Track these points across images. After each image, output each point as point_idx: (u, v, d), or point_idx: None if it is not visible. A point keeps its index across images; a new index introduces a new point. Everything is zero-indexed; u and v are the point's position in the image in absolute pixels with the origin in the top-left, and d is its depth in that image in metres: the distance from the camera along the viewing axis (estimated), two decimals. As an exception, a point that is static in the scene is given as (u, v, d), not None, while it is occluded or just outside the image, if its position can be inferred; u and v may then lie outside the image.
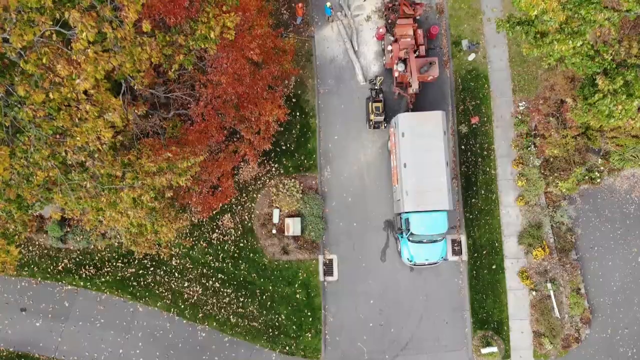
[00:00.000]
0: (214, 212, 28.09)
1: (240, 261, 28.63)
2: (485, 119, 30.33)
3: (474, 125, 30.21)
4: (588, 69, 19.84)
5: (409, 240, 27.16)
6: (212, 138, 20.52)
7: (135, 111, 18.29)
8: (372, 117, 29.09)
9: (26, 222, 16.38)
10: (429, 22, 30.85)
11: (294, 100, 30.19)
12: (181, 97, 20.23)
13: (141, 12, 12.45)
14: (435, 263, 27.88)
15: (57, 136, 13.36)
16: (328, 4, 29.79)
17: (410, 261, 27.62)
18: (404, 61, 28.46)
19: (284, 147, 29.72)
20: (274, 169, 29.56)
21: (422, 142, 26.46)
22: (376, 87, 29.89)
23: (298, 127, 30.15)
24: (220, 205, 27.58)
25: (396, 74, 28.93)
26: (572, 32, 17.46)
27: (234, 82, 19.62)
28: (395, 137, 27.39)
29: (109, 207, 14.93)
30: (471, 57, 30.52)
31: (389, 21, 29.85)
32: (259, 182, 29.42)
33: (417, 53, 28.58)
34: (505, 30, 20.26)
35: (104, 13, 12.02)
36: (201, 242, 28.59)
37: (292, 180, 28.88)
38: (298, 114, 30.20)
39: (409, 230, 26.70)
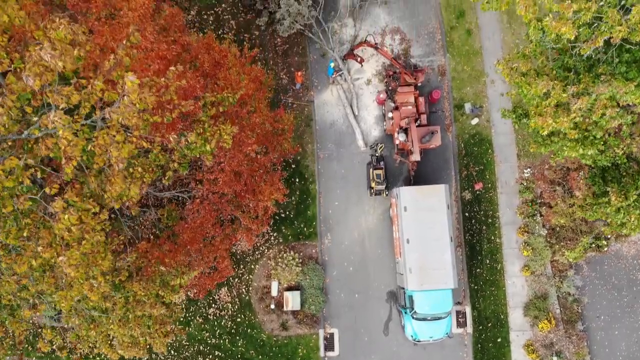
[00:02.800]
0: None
1: (237, 337, 27.69)
2: (490, 185, 29.62)
3: (478, 192, 29.49)
4: (598, 161, 19.16)
5: (412, 317, 26.29)
6: (207, 235, 19.69)
7: (127, 212, 17.46)
8: (373, 184, 28.36)
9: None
10: (430, 85, 30.24)
11: (293, 166, 29.46)
12: (176, 196, 19.46)
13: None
14: (440, 339, 27.01)
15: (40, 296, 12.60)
16: (332, 64, 29.16)
17: (414, 338, 26.73)
18: (405, 130, 27.79)
19: (283, 215, 28.93)
20: (272, 238, 28.74)
21: (425, 217, 25.70)
22: (377, 154, 29.19)
23: (298, 193, 29.39)
24: (217, 281, 26.71)
25: (397, 142, 28.26)
26: (582, 137, 16.81)
27: (232, 180, 18.86)
28: (397, 208, 26.63)
29: (101, 344, 14.10)
30: (474, 121, 29.88)
31: (390, 88, 29.23)
32: (257, 253, 28.58)
33: (418, 122, 27.92)
34: (511, 119, 19.55)
35: (91, 186, 11.27)
36: (197, 317, 27.66)
37: (291, 252, 28.05)
38: (297, 179, 29.45)
39: (412, 308, 25.84)
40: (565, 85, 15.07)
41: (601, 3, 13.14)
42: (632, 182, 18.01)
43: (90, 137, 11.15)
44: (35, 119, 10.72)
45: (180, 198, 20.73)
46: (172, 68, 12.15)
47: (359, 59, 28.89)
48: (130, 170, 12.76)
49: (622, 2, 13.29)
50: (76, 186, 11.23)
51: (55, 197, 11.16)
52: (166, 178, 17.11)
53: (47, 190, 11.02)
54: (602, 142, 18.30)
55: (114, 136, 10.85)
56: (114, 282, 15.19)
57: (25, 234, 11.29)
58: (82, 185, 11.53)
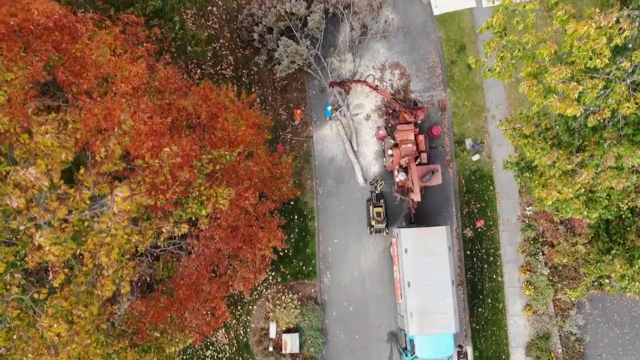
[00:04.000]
0: (208, 329, 26.75)
1: (235, 380, 27.25)
2: (491, 222, 29.25)
3: (479, 229, 29.11)
4: (603, 215, 18.80)
5: (413, 361, 25.85)
6: (203, 291, 19.27)
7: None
8: (373, 223, 27.98)
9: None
10: (430, 120, 29.92)
11: (292, 203, 29.07)
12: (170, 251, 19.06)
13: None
14: (441, 382, 26.53)
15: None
16: (329, 107, 28.88)
17: (415, 382, 26.27)
18: (405, 169, 27.44)
19: (281, 254, 28.49)
20: (270, 277, 28.32)
21: (426, 261, 25.31)
22: (377, 191, 28.82)
23: (297, 231, 29.01)
24: (214, 324, 26.25)
25: (397, 179, 27.91)
26: (589, 199, 16.45)
27: (228, 236, 18.47)
28: (398, 249, 26.24)
29: None
30: (475, 157, 29.54)
31: (390, 125, 28.92)
32: (254, 293, 28.15)
33: (418, 160, 27.56)
34: (514, 172, 19.20)
35: (80, 288, 10.90)
36: (194, 360, 27.22)
37: (290, 293, 27.63)
38: (296, 217, 29.07)
39: (413, 352, 25.40)
40: (569, 151, 14.73)
41: (608, 78, 12.84)
42: (637, 241, 17.63)
43: (79, 240, 10.81)
44: (22, 227, 10.39)
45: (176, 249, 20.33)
46: (167, 149, 11.81)
47: (346, 88, 28.59)
48: (120, 273, 12.28)
49: (633, 77, 12.95)
50: (65, 289, 10.86)
51: (45, 301, 10.80)
52: (161, 240, 16.71)
53: (35, 296, 10.66)
54: (606, 198, 17.94)
55: (104, 238, 10.51)
56: (108, 353, 14.79)
57: (14, 337, 10.91)
58: (71, 287, 11.15)
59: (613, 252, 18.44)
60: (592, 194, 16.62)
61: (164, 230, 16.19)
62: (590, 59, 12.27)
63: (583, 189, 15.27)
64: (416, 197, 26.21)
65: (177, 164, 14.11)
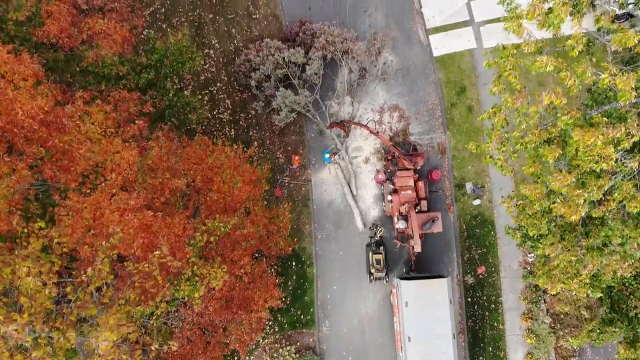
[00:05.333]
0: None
1: None
2: (492, 268, 28.81)
3: (480, 276, 28.67)
4: (607, 299, 18.40)
5: (413, 416, 25.30)
6: (198, 361, 18.78)
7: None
8: (373, 271, 27.52)
9: None
10: (430, 164, 29.51)
11: (290, 248, 28.56)
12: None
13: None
14: None
15: None
16: (327, 154, 28.50)
17: None
18: (405, 217, 27.01)
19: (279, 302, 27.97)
20: (268, 327, 27.80)
21: (427, 314, 24.84)
22: (376, 238, 28.36)
23: (294, 278, 28.54)
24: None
25: (397, 226, 27.49)
26: (591, 282, 16.03)
27: (222, 307, 18.00)
28: (398, 300, 25.78)
29: None
30: (476, 202, 29.13)
31: (389, 170, 28.53)
32: (251, 343, 27.58)
33: (418, 208, 27.13)
34: (515, 240, 18.79)
35: None
36: (190, 414, 26.61)
37: (287, 344, 27.12)
38: (294, 263, 28.61)
39: (414, 407, 24.88)
40: (574, 236, 14.36)
41: (615, 177, 12.48)
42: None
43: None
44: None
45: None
46: (157, 252, 11.41)
47: (346, 129, 28.23)
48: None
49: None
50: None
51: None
52: (154, 318, 16.26)
53: None
54: (612, 278, 17.47)
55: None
56: None
57: None
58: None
59: (616, 327, 18.00)
60: (597, 277, 16.19)
61: (157, 312, 15.75)
62: (596, 162, 11.92)
63: (588, 280, 14.90)
64: (417, 247, 25.78)
65: (170, 250, 13.68)
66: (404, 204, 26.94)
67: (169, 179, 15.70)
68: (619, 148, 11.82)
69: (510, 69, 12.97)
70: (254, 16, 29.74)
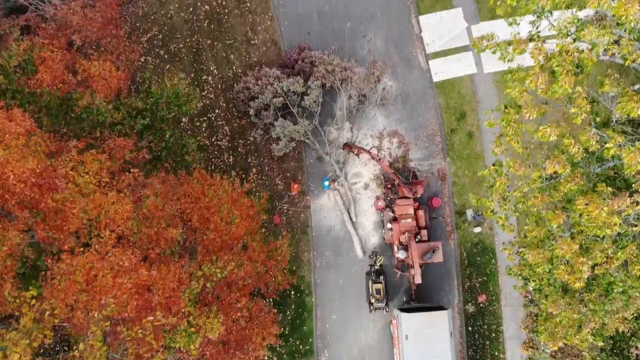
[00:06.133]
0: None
1: None
2: (493, 297, 28.50)
3: (481, 305, 28.35)
4: (608, 340, 18.08)
5: None
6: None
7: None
8: (372, 300, 27.21)
9: None
10: (430, 190, 29.24)
11: (288, 284, 28.22)
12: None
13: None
14: None
15: None
16: (327, 182, 28.25)
17: None
18: (405, 247, 26.71)
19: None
20: (267, 358, 27.45)
21: (428, 347, 24.55)
22: (376, 267, 28.06)
23: (293, 307, 28.23)
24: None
25: (397, 255, 27.20)
26: (595, 333, 15.77)
27: (219, 352, 17.70)
28: (398, 331, 25.47)
29: None
30: (477, 229, 28.86)
31: (389, 199, 28.26)
32: (250, 375, 27.28)
33: (418, 237, 26.84)
34: (517, 280, 18.48)
35: None
36: None
37: (287, 376, 26.80)
38: (293, 292, 28.29)
39: None
40: (576, 291, 14.13)
41: (619, 238, 12.26)
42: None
43: None
44: None
45: None
46: (150, 318, 11.14)
47: (355, 151, 28.03)
48: None
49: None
50: None
51: None
52: (150, 366, 15.91)
53: None
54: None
55: None
56: None
57: None
58: None
59: None
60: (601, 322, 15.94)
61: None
62: (600, 228, 11.67)
63: (590, 337, 14.62)
64: (417, 278, 25.48)
65: (165, 305, 13.40)
66: (404, 233, 26.65)
67: (165, 228, 15.45)
68: (623, 214, 11.58)
69: (512, 135, 12.75)
70: (252, 42, 29.54)
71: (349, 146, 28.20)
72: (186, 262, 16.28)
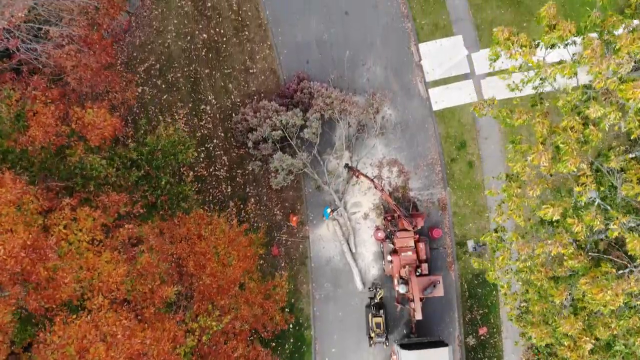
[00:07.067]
0: None
1: None
2: (494, 329, 28.17)
3: (482, 337, 27.99)
4: None
5: None
6: None
7: None
8: (372, 334, 26.87)
9: None
10: (430, 220, 28.93)
11: (287, 310, 27.90)
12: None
13: None
14: None
15: None
16: (329, 210, 27.96)
17: None
18: (406, 281, 26.37)
19: (276, 365, 27.32)
20: (265, 392, 27.07)
21: (428, 386, 24.17)
22: (376, 300, 27.71)
23: (291, 341, 27.87)
24: None
25: (397, 288, 26.86)
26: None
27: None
28: (398, 367, 25.13)
29: None
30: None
31: (389, 230, 27.93)
32: (249, 410, 26.90)
33: (419, 271, 26.49)
34: (518, 327, 18.15)
35: None
36: None
37: (285, 413, 26.41)
38: (291, 325, 27.91)
39: None
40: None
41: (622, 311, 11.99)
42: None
43: None
44: None
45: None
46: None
47: (357, 174, 27.76)
48: None
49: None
50: None
51: None
52: None
53: None
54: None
55: None
56: None
57: None
58: None
59: None
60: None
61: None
62: (604, 305, 11.39)
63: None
64: (417, 315, 25.12)
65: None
66: (404, 267, 26.31)
67: (159, 285, 15.13)
68: (627, 291, 11.30)
69: (514, 208, 12.49)
70: (251, 71, 29.28)
71: (351, 168, 27.96)
72: (181, 319, 15.93)
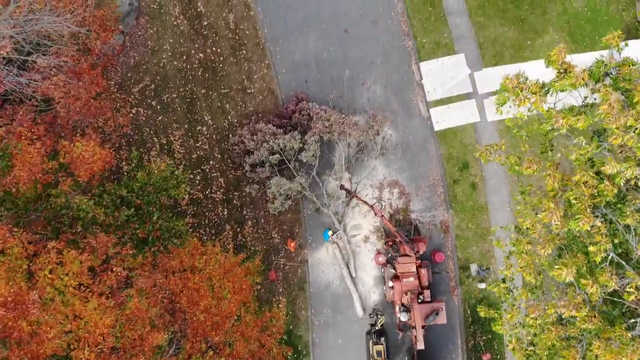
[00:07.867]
0: None
1: None
2: (498, 355, 27.40)
3: (485, 365, 27.23)
4: None
5: None
6: None
7: None
8: (373, 363, 26.11)
9: None
10: (433, 243, 28.21)
11: (285, 337, 27.15)
12: None
13: None
14: None
15: None
16: (330, 232, 27.26)
17: None
18: (407, 309, 25.62)
19: (274, 394, 26.50)
20: (263, 423, 26.26)
21: (431, 418, 23.38)
22: (377, 327, 26.94)
23: (290, 369, 27.07)
24: None
25: (399, 316, 26.10)
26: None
27: None
28: (400, 398, 24.33)
29: None
30: (481, 285, 27.80)
31: (390, 255, 27.20)
32: None
33: (421, 298, 25.75)
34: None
35: None
36: None
37: None
38: (290, 353, 27.11)
39: None
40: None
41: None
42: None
43: None
44: None
45: None
46: None
47: (355, 198, 27.02)
48: None
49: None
50: None
51: None
52: None
53: None
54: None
55: None
56: None
57: None
58: None
59: None
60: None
61: None
62: None
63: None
64: (419, 344, 24.38)
65: None
66: (406, 293, 25.57)
67: (149, 332, 14.41)
68: None
69: (524, 266, 11.84)
70: (248, 91, 28.62)
71: (348, 191, 27.18)
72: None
